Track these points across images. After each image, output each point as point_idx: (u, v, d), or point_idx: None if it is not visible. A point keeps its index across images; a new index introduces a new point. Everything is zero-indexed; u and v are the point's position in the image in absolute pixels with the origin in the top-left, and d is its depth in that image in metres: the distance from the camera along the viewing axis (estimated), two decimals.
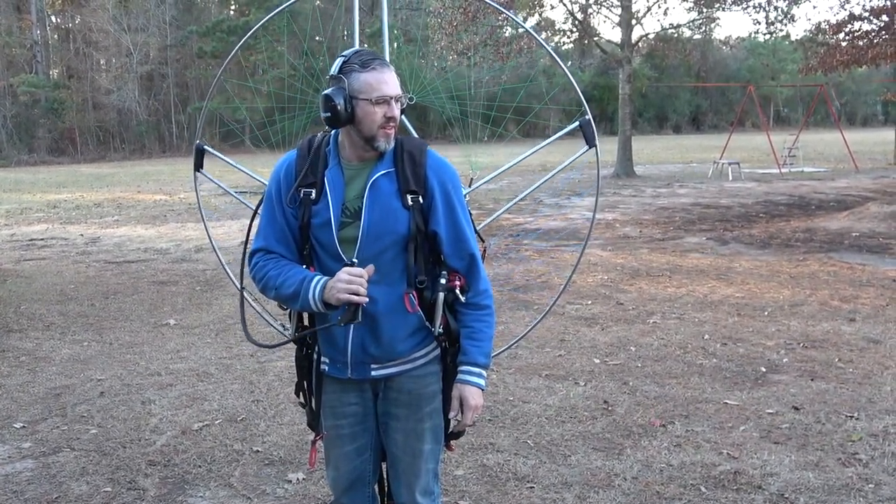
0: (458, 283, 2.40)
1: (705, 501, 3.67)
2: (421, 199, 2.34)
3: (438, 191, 2.36)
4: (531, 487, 3.84)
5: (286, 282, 2.32)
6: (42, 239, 13.15)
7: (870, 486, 3.77)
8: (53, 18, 51.11)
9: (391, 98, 2.28)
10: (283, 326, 3.21)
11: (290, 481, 3.95)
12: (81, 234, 13.59)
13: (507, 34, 26.74)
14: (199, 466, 4.14)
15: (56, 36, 50.92)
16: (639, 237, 12.02)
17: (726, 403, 4.91)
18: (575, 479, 3.91)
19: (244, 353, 6.19)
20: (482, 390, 2.44)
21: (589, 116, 3.71)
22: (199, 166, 4.06)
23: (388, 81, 2.29)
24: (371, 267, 2.26)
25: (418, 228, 2.33)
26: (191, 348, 6.37)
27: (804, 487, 3.77)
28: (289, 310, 2.51)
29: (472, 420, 2.46)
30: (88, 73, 45.97)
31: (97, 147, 44.09)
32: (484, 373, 2.44)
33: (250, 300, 3.99)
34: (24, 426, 4.74)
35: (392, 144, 2.34)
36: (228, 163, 4.49)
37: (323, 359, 2.48)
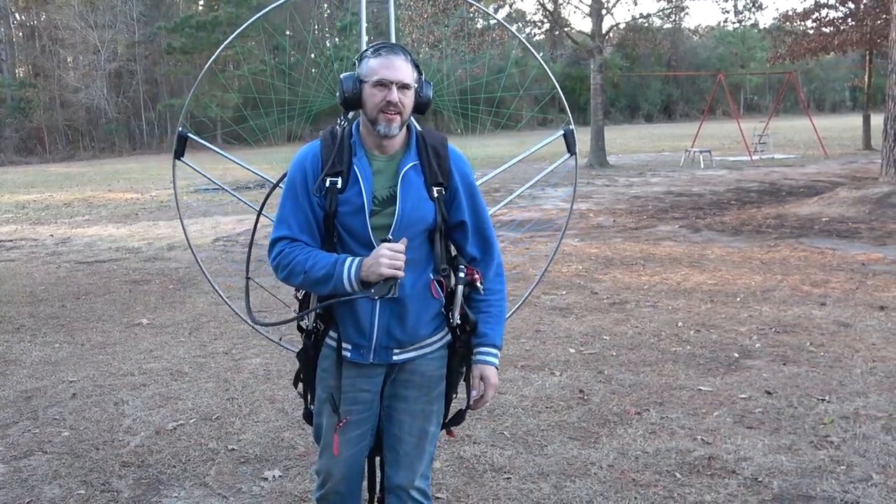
0: (476, 276, 2.51)
1: (680, 487, 3.70)
2: (445, 191, 2.46)
3: (461, 183, 2.49)
4: (508, 478, 3.85)
5: (317, 264, 2.34)
6: (10, 240, 12.96)
7: (842, 467, 3.82)
8: (18, 16, 50.34)
9: (391, 82, 2.33)
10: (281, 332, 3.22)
11: (267, 479, 3.92)
12: (51, 235, 13.41)
13: (478, 26, 26.70)
14: (174, 466, 4.10)
15: (21, 34, 50.19)
16: (612, 226, 12.08)
17: (700, 390, 4.95)
18: (551, 468, 3.92)
19: (218, 351, 6.14)
20: (497, 369, 2.57)
21: (573, 126, 3.94)
22: (180, 154, 3.88)
23: (389, 66, 2.35)
24: (405, 239, 2.34)
25: (443, 218, 2.46)
26: (164, 347, 6.31)
27: (777, 471, 3.81)
28: (303, 298, 2.58)
29: (492, 397, 2.59)
30: (55, 71, 45.36)
31: (66, 146, 43.57)
32: (499, 353, 2.58)
33: (244, 316, 3.97)
34: None
35: (394, 131, 2.38)
36: (215, 150, 4.39)
37: (344, 345, 2.50)
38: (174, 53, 45.26)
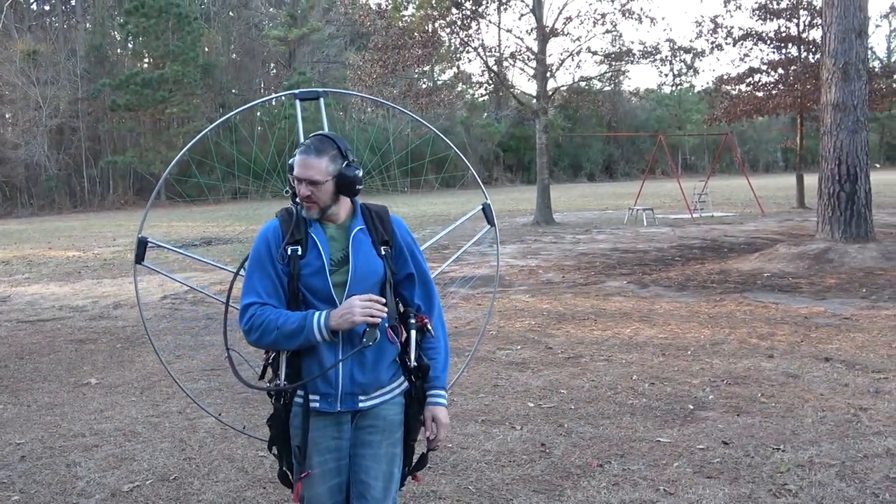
0: (426, 320, 2.78)
1: None
2: (390, 248, 2.76)
3: (403, 242, 2.81)
4: None
5: (288, 320, 2.57)
6: None
7: None
8: None
9: (302, 180, 2.62)
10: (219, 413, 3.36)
11: None
12: None
13: (423, 87, 27.12)
14: None
15: None
16: (562, 282, 12.24)
17: (659, 441, 5.02)
18: None
19: (172, 410, 6.01)
20: (446, 409, 2.82)
21: (489, 202, 4.34)
22: (140, 259, 4.09)
23: (302, 165, 2.63)
24: (370, 294, 2.59)
25: (391, 271, 2.74)
26: (115, 407, 6.16)
27: None
28: (272, 357, 2.73)
29: (444, 437, 2.82)
30: None
31: (3, 203, 42.54)
32: (446, 395, 2.84)
33: (188, 392, 3.93)
34: None
35: (313, 216, 2.67)
36: (176, 251, 4.62)
37: (312, 397, 2.66)
38: (118, 110, 44.81)
